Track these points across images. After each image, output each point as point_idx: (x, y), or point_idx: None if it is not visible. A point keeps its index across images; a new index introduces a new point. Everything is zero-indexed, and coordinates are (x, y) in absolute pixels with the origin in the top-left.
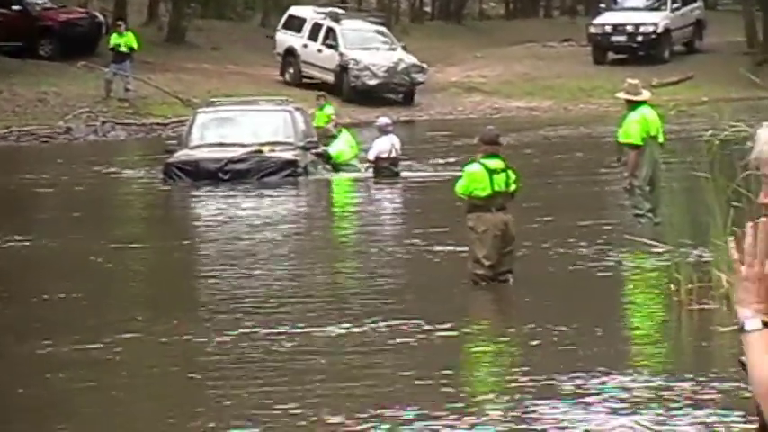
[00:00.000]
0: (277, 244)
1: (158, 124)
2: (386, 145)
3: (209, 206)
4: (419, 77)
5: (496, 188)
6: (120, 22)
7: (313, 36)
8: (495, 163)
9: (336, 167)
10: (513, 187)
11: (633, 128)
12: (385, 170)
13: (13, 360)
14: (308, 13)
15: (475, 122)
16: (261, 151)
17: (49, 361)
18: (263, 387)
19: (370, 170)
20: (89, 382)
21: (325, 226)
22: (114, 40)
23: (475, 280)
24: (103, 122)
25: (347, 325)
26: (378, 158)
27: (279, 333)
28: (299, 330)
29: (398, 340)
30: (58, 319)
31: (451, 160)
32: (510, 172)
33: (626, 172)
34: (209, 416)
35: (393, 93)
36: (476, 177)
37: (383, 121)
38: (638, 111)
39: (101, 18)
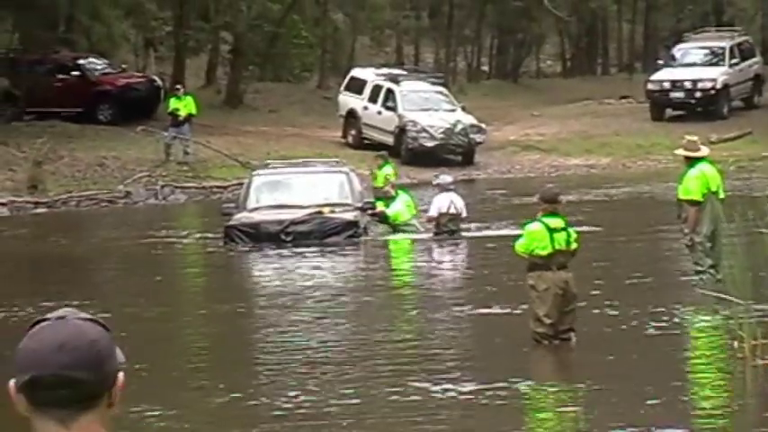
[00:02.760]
0: (346, 305)
1: (218, 187)
2: (445, 201)
3: (274, 269)
4: (478, 138)
5: (557, 246)
6: (178, 86)
7: (373, 98)
8: (556, 221)
9: (395, 228)
10: (573, 245)
11: (693, 184)
12: (445, 227)
13: None
14: (368, 74)
15: (533, 180)
16: (321, 212)
17: None
18: None
19: (431, 228)
20: None
21: (391, 287)
22: (173, 104)
23: (537, 339)
24: (163, 186)
25: (407, 386)
26: (439, 215)
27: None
28: (357, 396)
29: (461, 399)
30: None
31: (511, 219)
32: (570, 230)
33: (686, 228)
34: None
35: (451, 154)
36: (536, 236)
37: (444, 178)
38: (698, 167)
39: (159, 82)
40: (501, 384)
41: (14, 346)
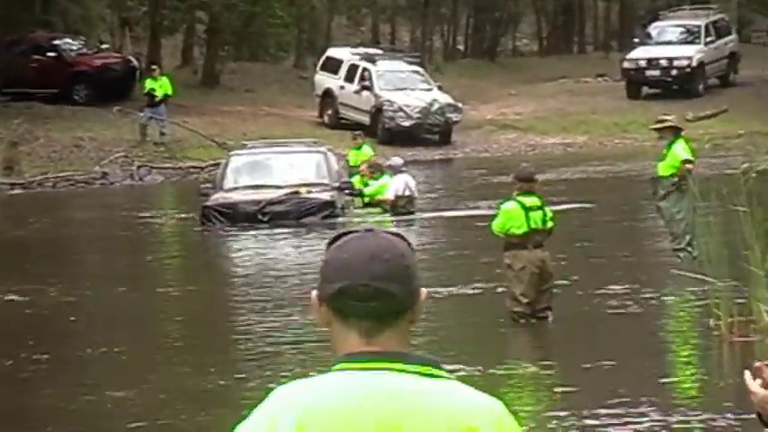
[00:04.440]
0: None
1: (195, 167)
2: (401, 184)
3: (250, 249)
4: (454, 117)
5: (533, 225)
6: (154, 67)
7: (350, 77)
8: (532, 200)
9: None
10: (549, 224)
11: (684, 152)
12: (402, 209)
13: (58, 412)
14: (344, 54)
15: (511, 159)
16: (298, 192)
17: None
18: None
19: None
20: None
21: None
22: (149, 84)
23: (513, 317)
24: (139, 167)
25: None
26: (396, 197)
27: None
28: None
29: None
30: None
31: (490, 198)
32: (546, 209)
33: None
34: None
35: (428, 133)
36: (512, 215)
37: (396, 160)
38: (681, 142)
39: (135, 63)
40: (478, 366)
41: None
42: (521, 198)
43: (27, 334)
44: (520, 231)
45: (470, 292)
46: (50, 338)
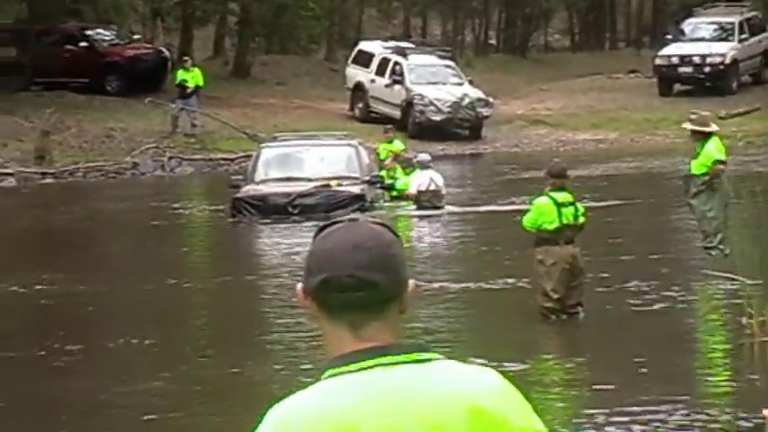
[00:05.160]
0: None
1: (225, 159)
2: (425, 179)
3: (279, 241)
4: (485, 111)
5: (564, 221)
6: (186, 58)
7: (381, 71)
8: (563, 196)
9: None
10: (581, 220)
11: (717, 152)
12: (427, 203)
13: (87, 401)
14: (376, 48)
15: (541, 155)
16: (328, 185)
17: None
18: None
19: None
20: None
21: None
22: (181, 75)
23: (544, 313)
24: (170, 158)
25: None
26: (419, 192)
27: None
28: None
29: None
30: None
31: (521, 194)
32: (578, 205)
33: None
34: None
35: (458, 128)
36: (544, 210)
37: (423, 157)
38: (714, 141)
39: (166, 53)
40: (507, 361)
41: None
42: (553, 194)
43: (57, 324)
44: (551, 227)
45: (499, 287)
46: (81, 329)
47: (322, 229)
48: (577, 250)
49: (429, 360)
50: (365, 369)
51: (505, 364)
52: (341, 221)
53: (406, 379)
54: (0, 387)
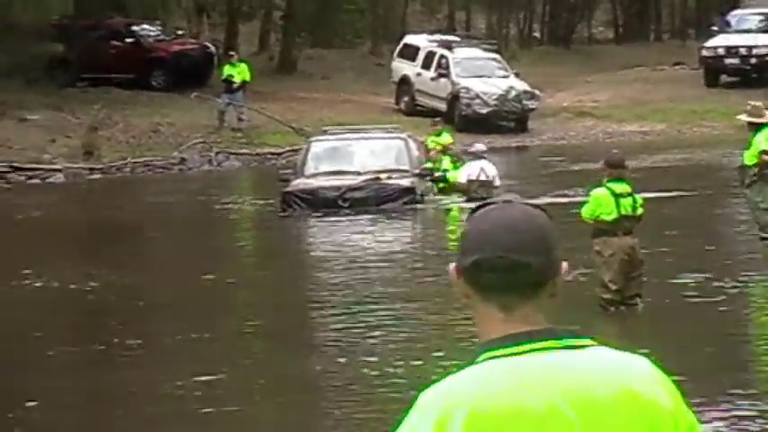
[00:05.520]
0: (398, 272)
1: (272, 153)
2: (475, 169)
3: (330, 234)
4: (531, 104)
5: (623, 212)
6: (232, 53)
7: (426, 64)
8: (622, 187)
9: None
10: (639, 211)
11: (765, 142)
12: (475, 193)
13: (147, 395)
14: (421, 41)
15: (589, 147)
16: (379, 179)
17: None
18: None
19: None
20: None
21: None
22: (227, 70)
23: (602, 305)
24: (217, 152)
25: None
26: (468, 182)
27: (392, 363)
28: (413, 363)
29: None
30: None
31: (571, 185)
32: (636, 196)
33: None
34: None
35: (505, 120)
36: (602, 201)
37: (478, 147)
38: (765, 132)
39: (212, 49)
40: None
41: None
42: (611, 184)
43: (111, 318)
44: (610, 218)
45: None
46: (138, 323)
47: (476, 209)
48: (636, 241)
49: (582, 346)
50: (520, 353)
51: None
52: (495, 203)
53: (560, 364)
54: (62, 380)
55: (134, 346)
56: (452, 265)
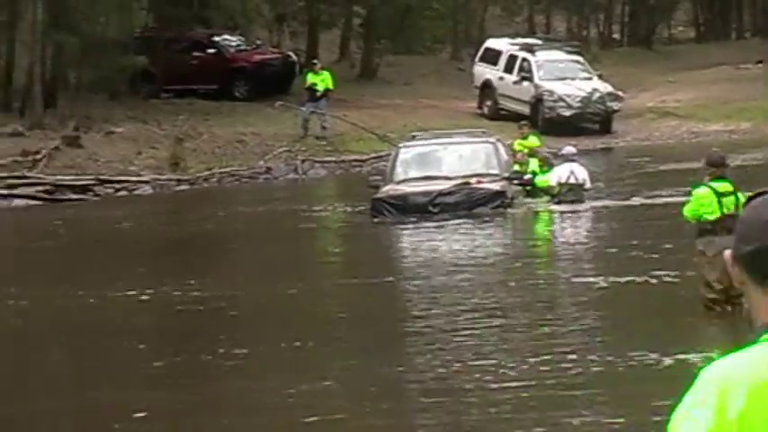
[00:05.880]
0: (497, 275)
1: (357, 160)
2: (565, 171)
3: (422, 240)
4: (615, 105)
5: (725, 211)
6: (315, 61)
7: (509, 68)
8: (723, 185)
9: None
10: (742, 210)
11: None
12: (564, 197)
13: (251, 402)
14: (503, 45)
15: (674, 147)
16: (469, 183)
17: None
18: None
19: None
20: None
21: (544, 255)
22: (311, 79)
23: (708, 305)
24: (303, 161)
25: (565, 357)
26: (558, 184)
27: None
28: (507, 364)
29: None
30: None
31: (657, 186)
32: (739, 194)
33: None
34: None
35: (589, 122)
36: (704, 200)
37: (568, 149)
38: None
39: (294, 58)
40: (669, 354)
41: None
42: (713, 183)
43: (211, 328)
44: (712, 217)
45: (653, 280)
46: (240, 332)
47: (754, 196)
48: None
49: None
50: None
51: (668, 354)
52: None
53: None
54: (169, 391)
55: (240, 356)
56: (728, 252)
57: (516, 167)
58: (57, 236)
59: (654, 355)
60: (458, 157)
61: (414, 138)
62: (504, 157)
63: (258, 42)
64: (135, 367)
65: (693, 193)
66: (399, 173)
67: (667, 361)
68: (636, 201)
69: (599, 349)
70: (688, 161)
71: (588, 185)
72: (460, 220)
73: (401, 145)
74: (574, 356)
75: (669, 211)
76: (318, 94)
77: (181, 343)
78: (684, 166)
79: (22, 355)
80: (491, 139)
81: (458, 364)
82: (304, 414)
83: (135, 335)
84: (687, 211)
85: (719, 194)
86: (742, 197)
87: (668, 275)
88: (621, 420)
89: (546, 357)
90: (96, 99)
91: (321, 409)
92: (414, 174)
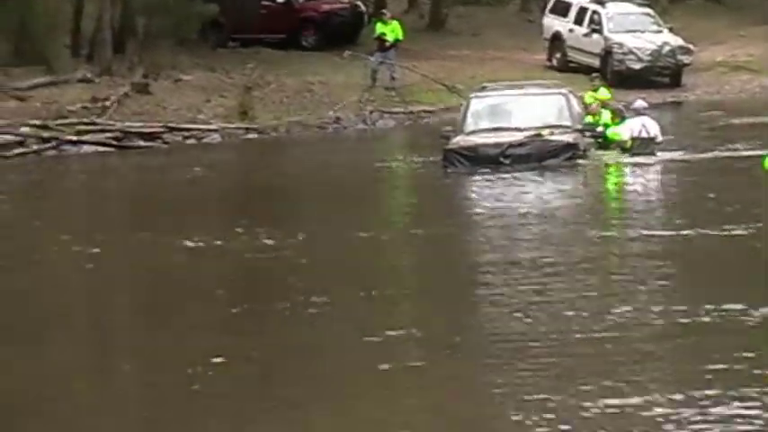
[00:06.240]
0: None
1: (426, 111)
2: (637, 125)
3: (494, 191)
4: (685, 59)
5: None
6: (384, 11)
7: (579, 20)
8: None
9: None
10: None
11: None
12: (637, 150)
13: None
14: None
15: (746, 101)
16: (540, 135)
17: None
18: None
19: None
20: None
21: (616, 209)
22: (380, 29)
23: None
24: (371, 111)
25: (638, 310)
26: (630, 139)
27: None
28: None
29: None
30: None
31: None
32: None
33: None
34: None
35: (659, 75)
36: None
37: (640, 103)
38: None
39: (362, 8)
40: (747, 306)
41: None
42: None
43: (287, 277)
44: None
45: (734, 233)
46: (318, 281)
47: None
48: None
49: None
50: None
51: (745, 307)
52: None
53: None
54: (245, 336)
55: (318, 304)
56: None
57: (589, 119)
58: (128, 182)
59: (737, 308)
60: (529, 108)
61: (484, 89)
62: (576, 108)
63: None
64: (211, 313)
65: None
66: (470, 123)
67: (752, 313)
68: (709, 155)
69: (678, 301)
70: (761, 115)
71: (660, 139)
72: (532, 172)
73: (472, 96)
74: (655, 308)
75: (744, 165)
76: (387, 44)
77: (256, 291)
78: (757, 120)
79: (96, 299)
80: (563, 91)
81: (531, 311)
82: (380, 360)
83: (211, 281)
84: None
85: None
86: None
87: (747, 228)
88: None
89: (626, 309)
90: (164, 46)
91: (398, 356)
92: (485, 125)
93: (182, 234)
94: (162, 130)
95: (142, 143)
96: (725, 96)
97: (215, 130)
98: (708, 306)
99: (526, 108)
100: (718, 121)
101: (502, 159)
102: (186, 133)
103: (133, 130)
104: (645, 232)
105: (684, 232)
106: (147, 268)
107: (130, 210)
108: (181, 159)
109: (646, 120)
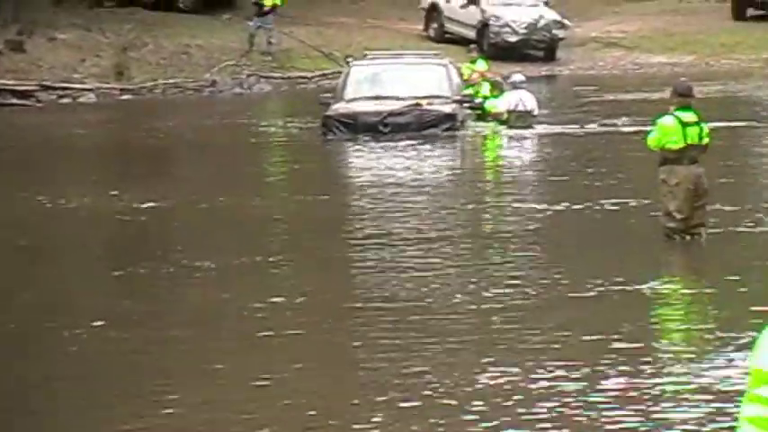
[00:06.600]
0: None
1: (302, 77)
2: (514, 98)
3: (369, 159)
4: (561, 33)
5: (689, 141)
6: None
7: None
8: (689, 115)
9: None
10: (705, 140)
11: None
12: (514, 123)
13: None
14: None
15: (618, 78)
16: (419, 104)
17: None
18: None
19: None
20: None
21: (491, 180)
22: None
23: (667, 233)
24: (248, 75)
25: (520, 281)
26: (507, 111)
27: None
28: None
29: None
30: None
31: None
32: (703, 125)
33: None
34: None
35: (534, 49)
36: (668, 130)
37: (516, 77)
38: None
39: None
40: (628, 282)
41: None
42: (678, 113)
43: (169, 239)
44: (676, 146)
45: (611, 207)
46: (198, 245)
47: None
48: (702, 171)
49: None
50: None
51: (625, 283)
52: None
53: None
54: (127, 299)
55: (202, 268)
56: None
57: (469, 90)
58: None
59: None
60: (410, 77)
61: (365, 56)
62: (456, 79)
63: None
64: (93, 277)
65: (658, 122)
66: (350, 91)
67: (628, 288)
68: (585, 129)
69: (557, 277)
70: (633, 92)
71: (536, 112)
72: (411, 141)
73: (352, 63)
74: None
75: (620, 140)
76: (266, 9)
77: (138, 254)
78: (630, 96)
79: None
80: (443, 62)
81: (408, 286)
82: (258, 328)
83: (92, 243)
84: (651, 140)
85: (684, 124)
86: (705, 127)
87: (622, 203)
88: (593, 338)
89: (503, 281)
90: (40, 4)
91: (278, 323)
92: (365, 93)
93: (60, 195)
94: (36, 88)
95: (15, 101)
96: (599, 72)
97: (90, 90)
98: (587, 280)
99: (406, 77)
100: (592, 96)
101: (381, 128)
102: (61, 92)
103: (7, 87)
104: (518, 205)
105: (558, 207)
106: (22, 229)
107: (2, 168)
108: (55, 118)
109: (523, 93)
